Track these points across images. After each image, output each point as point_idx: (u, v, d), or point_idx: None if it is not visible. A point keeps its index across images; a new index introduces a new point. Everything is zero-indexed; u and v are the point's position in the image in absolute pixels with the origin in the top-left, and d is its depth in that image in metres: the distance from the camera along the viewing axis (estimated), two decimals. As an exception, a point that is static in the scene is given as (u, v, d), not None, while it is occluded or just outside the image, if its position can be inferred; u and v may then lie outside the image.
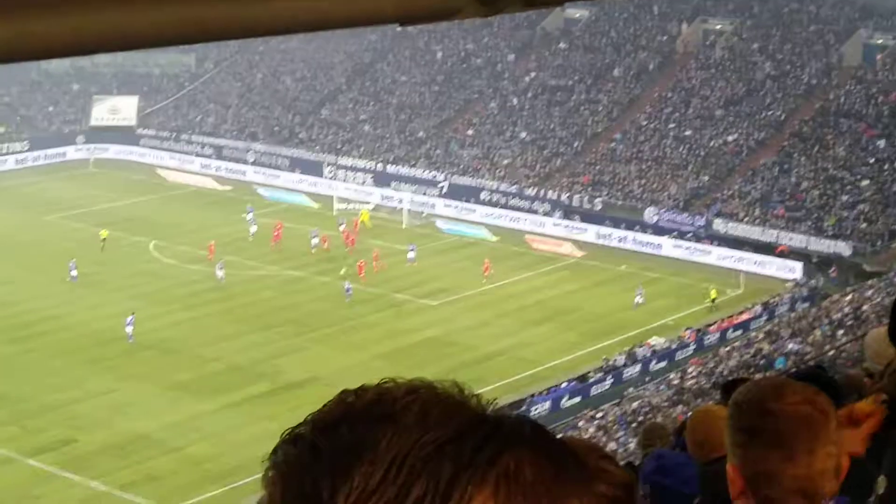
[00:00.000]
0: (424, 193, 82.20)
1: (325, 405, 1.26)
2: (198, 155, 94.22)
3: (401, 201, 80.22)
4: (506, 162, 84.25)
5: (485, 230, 75.64)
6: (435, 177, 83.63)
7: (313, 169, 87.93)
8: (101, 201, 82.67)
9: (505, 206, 79.03)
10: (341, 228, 73.57)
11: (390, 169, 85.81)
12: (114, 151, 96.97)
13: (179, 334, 57.47)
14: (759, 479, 3.07)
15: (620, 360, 54.00)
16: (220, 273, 64.85)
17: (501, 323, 59.11)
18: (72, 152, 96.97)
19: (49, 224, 76.78)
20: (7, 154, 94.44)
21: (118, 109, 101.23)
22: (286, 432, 1.26)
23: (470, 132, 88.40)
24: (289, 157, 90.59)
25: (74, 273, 64.81)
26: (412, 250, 68.97)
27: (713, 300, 61.53)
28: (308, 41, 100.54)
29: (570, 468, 1.23)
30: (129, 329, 56.08)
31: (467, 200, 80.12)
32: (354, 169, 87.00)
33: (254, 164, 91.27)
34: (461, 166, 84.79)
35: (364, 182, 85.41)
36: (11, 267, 66.39)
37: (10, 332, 57.08)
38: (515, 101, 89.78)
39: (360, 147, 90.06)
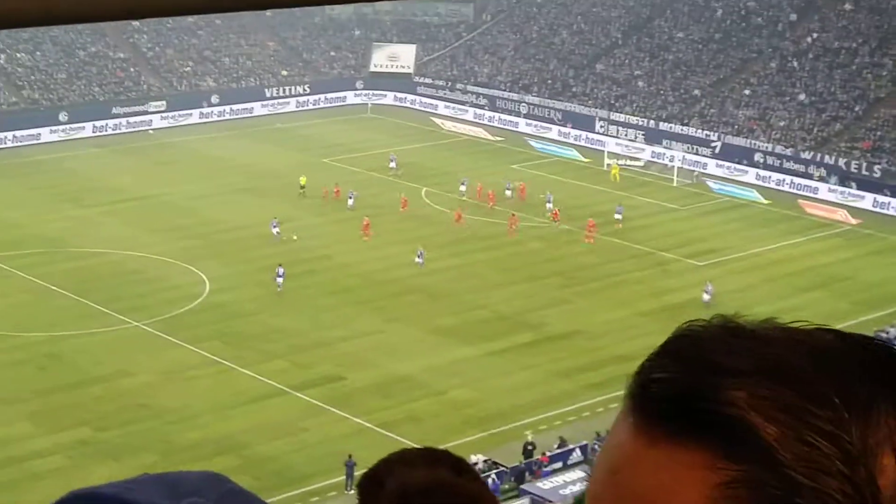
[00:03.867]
0: (696, 152, 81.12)
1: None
2: (472, 105, 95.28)
3: (672, 159, 79.37)
4: (782, 124, 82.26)
5: (756, 192, 74.15)
6: (708, 136, 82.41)
7: (585, 123, 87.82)
8: (378, 146, 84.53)
9: (779, 169, 77.28)
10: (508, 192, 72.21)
11: (663, 126, 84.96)
12: (391, 98, 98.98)
13: (446, 280, 58.44)
14: None
15: (893, 332, 52.30)
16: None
17: (769, 287, 58.00)
18: (351, 97, 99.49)
19: (326, 166, 78.96)
20: (289, 96, 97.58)
21: (397, 56, 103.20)
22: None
23: (746, 92, 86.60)
24: (561, 110, 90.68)
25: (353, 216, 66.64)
26: (619, 212, 67.40)
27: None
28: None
29: None
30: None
31: (740, 161, 78.68)
32: (626, 125, 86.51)
33: (526, 115, 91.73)
34: (735, 126, 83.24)
35: (636, 138, 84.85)
36: (289, 206, 68.59)
37: (286, 268, 59.12)
38: (795, 62, 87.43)
39: (633, 103, 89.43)
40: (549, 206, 68.93)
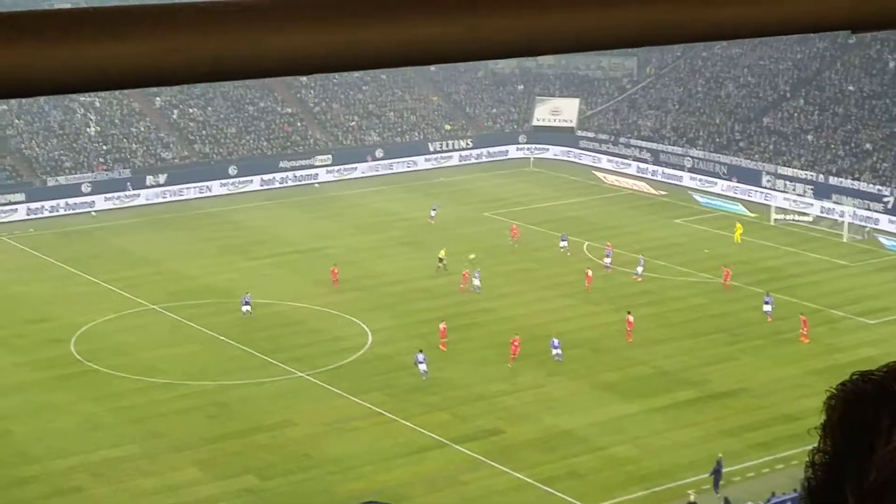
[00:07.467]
0: (868, 207, 79.31)
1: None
2: (635, 159, 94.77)
3: (842, 214, 77.72)
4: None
5: (930, 249, 72.19)
6: (880, 191, 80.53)
7: (751, 177, 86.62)
8: (539, 200, 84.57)
9: (954, 225, 75.14)
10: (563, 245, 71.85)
11: (832, 181, 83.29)
12: (553, 152, 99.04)
13: (608, 335, 57.95)
14: None
15: None
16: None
17: (944, 347, 56.23)
18: (513, 151, 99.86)
19: (488, 220, 79.22)
20: (452, 151, 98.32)
21: (560, 110, 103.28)
22: (857, 373, 1.34)
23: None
24: (726, 164, 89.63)
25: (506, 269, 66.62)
26: (767, 302, 61.00)
27: None
28: (753, 48, 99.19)
29: None
30: (244, 308, 60.17)
31: (913, 217, 76.74)
32: (794, 179, 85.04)
33: (690, 170, 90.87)
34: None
35: (804, 193, 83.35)
36: (451, 258, 68.75)
37: (449, 321, 59.22)
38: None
39: (801, 157, 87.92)
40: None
